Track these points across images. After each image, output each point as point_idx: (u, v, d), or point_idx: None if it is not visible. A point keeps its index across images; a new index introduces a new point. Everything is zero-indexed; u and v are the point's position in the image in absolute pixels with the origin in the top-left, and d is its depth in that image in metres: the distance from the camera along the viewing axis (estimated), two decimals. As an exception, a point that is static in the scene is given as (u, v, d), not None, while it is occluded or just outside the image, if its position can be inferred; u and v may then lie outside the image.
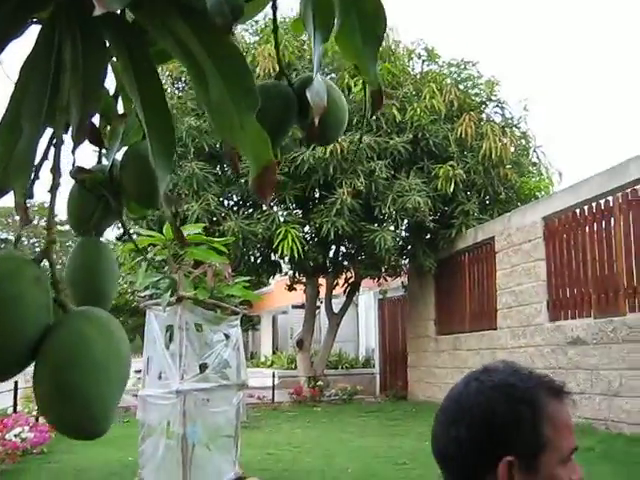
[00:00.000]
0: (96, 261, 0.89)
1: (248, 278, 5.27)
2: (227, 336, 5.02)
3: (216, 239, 4.94)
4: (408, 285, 15.11)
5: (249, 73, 0.74)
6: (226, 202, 13.28)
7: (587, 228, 9.08)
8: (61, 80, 0.72)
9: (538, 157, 14.73)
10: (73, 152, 0.78)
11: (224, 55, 0.74)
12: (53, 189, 0.70)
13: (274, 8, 0.99)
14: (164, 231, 4.63)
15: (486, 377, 1.28)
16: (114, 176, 0.94)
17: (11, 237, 53.05)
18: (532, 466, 1.19)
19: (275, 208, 13.18)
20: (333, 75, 13.50)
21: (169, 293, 4.72)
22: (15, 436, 7.40)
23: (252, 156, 0.73)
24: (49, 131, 0.75)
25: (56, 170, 0.70)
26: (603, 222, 8.78)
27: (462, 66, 14.55)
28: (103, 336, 0.65)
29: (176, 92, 13.24)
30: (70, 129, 0.73)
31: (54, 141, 0.71)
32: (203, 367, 4.89)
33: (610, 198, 8.62)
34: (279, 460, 7.59)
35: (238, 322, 5.14)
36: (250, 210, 13.02)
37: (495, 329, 11.07)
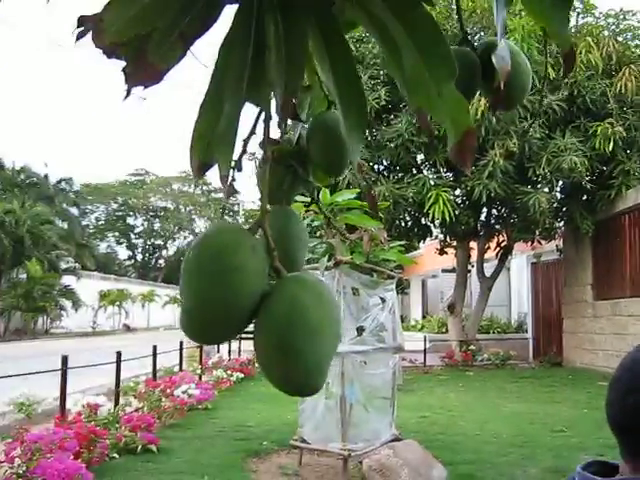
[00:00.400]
0: (287, 228, 0.94)
1: (403, 242, 5.28)
2: (383, 300, 5.08)
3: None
4: (564, 248, 14.66)
5: (444, 41, 0.75)
6: (376, 167, 13.31)
7: None
8: (266, 59, 0.76)
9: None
10: (279, 127, 0.82)
11: (417, 25, 0.75)
12: (264, 162, 0.75)
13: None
14: (321, 196, 4.72)
15: None
16: (301, 146, 0.98)
17: (170, 205, 55.68)
18: None
19: (425, 171, 13.10)
20: (483, 33, 13.17)
21: (327, 257, 4.83)
22: (182, 392, 7.83)
23: (451, 123, 0.75)
24: (252, 107, 0.79)
25: (267, 144, 0.74)
26: None
27: (621, 16, 13.78)
28: (316, 300, 0.69)
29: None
30: (275, 105, 0.77)
31: (262, 116, 0.75)
32: (360, 330, 4.98)
33: None
34: (433, 423, 7.62)
35: (393, 286, 5.18)
36: (400, 174, 13.00)
37: (659, 294, 10.57)
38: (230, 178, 0.79)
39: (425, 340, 15.39)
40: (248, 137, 0.78)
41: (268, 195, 1.05)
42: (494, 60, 0.91)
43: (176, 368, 10.44)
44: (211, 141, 0.79)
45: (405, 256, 5.14)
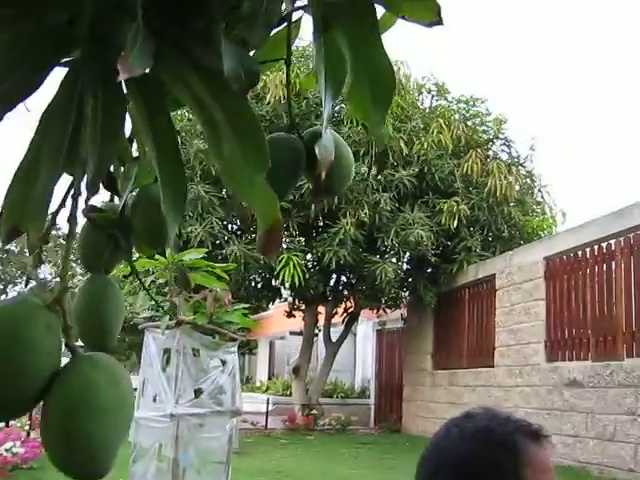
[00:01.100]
0: (103, 298, 0.92)
1: (248, 305, 5.28)
2: (224, 362, 5.02)
3: (218, 265, 4.96)
4: (407, 318, 15.11)
5: (260, 131, 0.77)
6: (230, 226, 13.32)
7: (588, 270, 9.10)
8: (82, 132, 0.75)
9: (542, 196, 14.80)
10: (86, 202, 0.81)
11: (237, 112, 0.77)
12: (69, 238, 0.73)
13: (287, 63, 1.02)
14: (166, 254, 4.67)
15: (466, 423, 1.31)
16: (125, 216, 0.98)
17: (14, 248, 53.31)
18: None
19: (278, 235, 13.21)
20: (343, 105, 13.62)
21: (168, 316, 4.74)
22: (6, 450, 7.38)
23: (261, 214, 0.77)
24: (66, 178, 0.78)
25: (73, 219, 0.73)
26: (604, 265, 8.80)
27: (471, 103, 14.67)
28: (108, 381, 0.68)
29: (186, 114, 13.33)
30: (86, 178, 0.76)
31: (72, 191, 0.74)
32: (198, 392, 4.90)
33: (612, 241, 8.65)
34: (269, 488, 7.56)
35: (235, 348, 5.14)
36: (253, 235, 13.08)
37: (492, 367, 11.04)
38: (38, 248, 0.77)
39: (268, 402, 15.32)
40: (57, 210, 0.77)
41: (87, 262, 1.03)
42: (317, 150, 0.94)
43: (1, 424, 9.83)
44: (23, 209, 0.78)
45: (249, 319, 5.12)
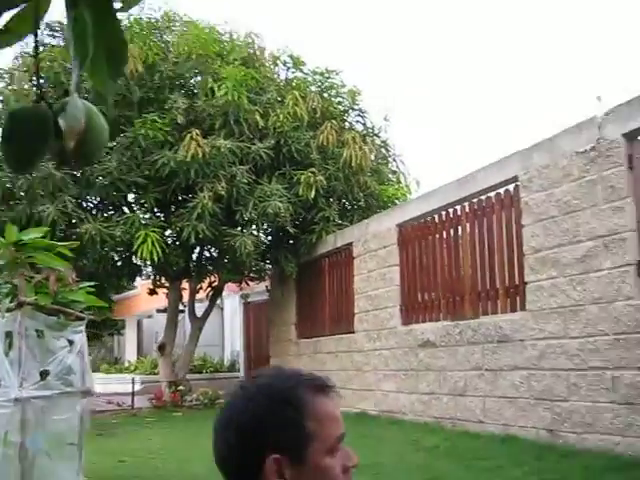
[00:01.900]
0: None
1: (93, 283, 5.16)
2: (71, 342, 4.92)
3: (60, 243, 4.84)
4: (271, 289, 15.25)
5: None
6: (85, 204, 12.95)
7: (437, 235, 9.49)
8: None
9: (397, 165, 15.23)
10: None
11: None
12: None
13: (35, 35, 1.03)
14: (5, 234, 4.52)
15: (251, 383, 1.38)
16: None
17: None
18: (300, 460, 1.29)
19: (137, 211, 13.00)
20: (198, 78, 13.49)
21: (9, 299, 4.59)
22: None
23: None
24: None
25: None
26: (452, 230, 9.19)
27: (326, 75, 14.81)
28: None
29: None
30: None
31: None
32: (44, 374, 4.78)
33: (458, 207, 9.04)
34: (131, 467, 7.49)
35: (83, 328, 5.05)
36: (110, 212, 12.82)
37: (352, 332, 11.34)
38: None
39: (134, 382, 15.13)
40: None
41: None
42: (61, 121, 0.96)
43: None
44: None
45: (94, 298, 5.02)
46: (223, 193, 11.66)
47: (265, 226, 13.09)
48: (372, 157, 13.82)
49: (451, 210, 9.19)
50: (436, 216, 9.52)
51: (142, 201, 12.78)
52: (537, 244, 7.33)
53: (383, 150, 14.98)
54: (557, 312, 6.98)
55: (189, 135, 11.61)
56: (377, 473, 6.36)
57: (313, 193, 12.26)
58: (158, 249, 11.41)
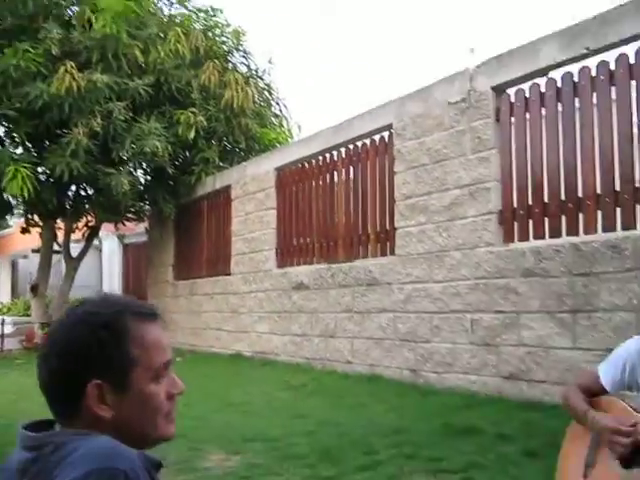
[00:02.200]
0: None
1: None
2: None
3: None
4: (149, 231, 15.04)
5: None
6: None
7: (314, 180, 9.56)
8: None
9: (280, 109, 15.16)
10: None
11: None
12: None
13: None
14: None
15: (74, 309, 1.38)
16: None
17: None
18: (122, 386, 1.30)
19: (7, 145, 12.45)
20: (76, 8, 12.90)
21: None
22: None
23: None
24: None
25: None
26: (328, 175, 9.28)
27: (210, 13, 14.47)
28: None
29: None
30: None
31: None
32: None
33: (335, 153, 9.13)
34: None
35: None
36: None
37: (229, 275, 11.37)
38: None
39: (3, 323, 14.71)
40: None
41: None
42: None
43: None
44: None
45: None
46: (99, 130, 11.29)
47: (143, 166, 12.81)
48: (255, 100, 13.67)
49: (328, 155, 9.28)
50: (313, 161, 9.59)
51: (13, 135, 12.24)
52: (408, 191, 7.53)
53: (266, 93, 14.84)
54: (424, 257, 7.23)
55: (63, 67, 11.12)
56: (246, 411, 6.49)
57: (193, 133, 12.07)
58: (29, 185, 10.96)
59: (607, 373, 2.86)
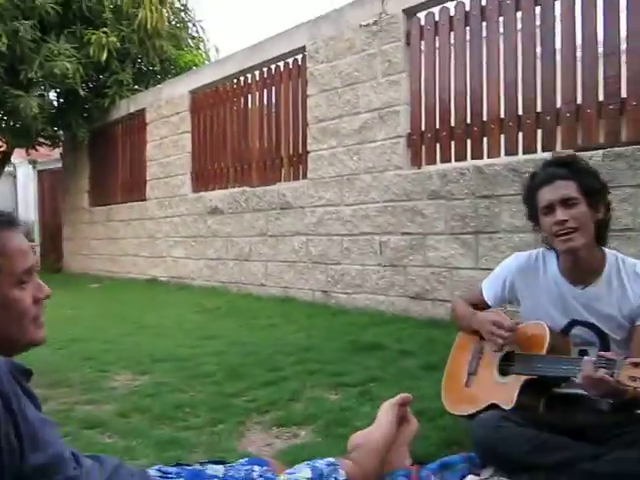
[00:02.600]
0: None
1: None
2: None
3: None
4: (64, 156, 14.66)
5: None
6: None
7: (228, 103, 9.45)
8: None
9: (197, 31, 14.78)
10: None
11: None
12: None
13: None
14: None
15: None
16: None
17: None
18: None
19: None
20: None
21: None
22: None
23: None
24: None
25: None
26: (242, 98, 9.18)
27: None
28: None
29: None
30: None
31: None
32: None
33: (249, 75, 9.02)
34: None
35: None
36: None
37: (145, 200, 11.24)
38: None
39: None
40: None
41: None
42: None
43: None
44: None
45: None
46: (4, 50, 10.83)
47: (54, 88, 12.37)
48: (170, 21, 13.30)
49: (242, 78, 9.16)
50: (228, 84, 9.46)
51: None
52: (320, 114, 7.53)
53: (182, 14, 14.43)
54: (335, 180, 7.30)
55: (-37, -17, 10.59)
56: (157, 333, 6.53)
57: (105, 55, 11.69)
58: None
59: (490, 289, 3.01)
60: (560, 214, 2.54)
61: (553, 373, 2.55)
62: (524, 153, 5.66)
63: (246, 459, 2.42)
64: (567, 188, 2.56)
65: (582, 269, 2.66)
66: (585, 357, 2.41)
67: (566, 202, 2.55)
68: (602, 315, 2.63)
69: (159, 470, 2.22)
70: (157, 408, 3.83)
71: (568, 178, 2.58)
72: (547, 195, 2.59)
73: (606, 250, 2.71)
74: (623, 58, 5.15)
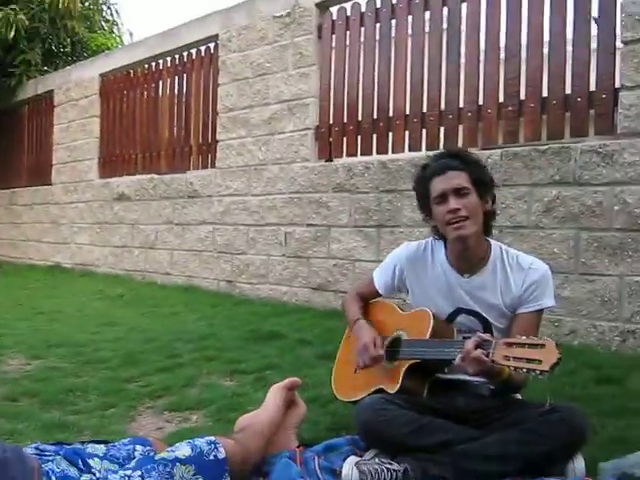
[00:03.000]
0: None
1: None
2: None
3: None
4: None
5: None
6: None
7: (139, 89, 9.30)
8: None
9: (112, 14, 14.52)
10: None
11: None
12: None
13: None
14: None
15: None
16: None
17: None
18: None
19: None
20: None
21: None
22: None
23: None
24: None
25: None
26: (153, 85, 9.06)
27: None
28: None
29: None
30: None
31: None
32: None
33: (161, 61, 8.91)
34: None
35: None
36: None
37: (50, 184, 10.96)
38: None
39: None
40: None
41: None
42: None
43: None
44: None
45: None
46: None
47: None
48: (83, 2, 12.99)
49: (154, 64, 9.04)
50: (139, 69, 9.32)
51: None
52: (230, 104, 7.51)
53: (97, -4, 14.14)
54: (243, 170, 7.29)
55: None
56: (55, 319, 6.40)
57: (13, 33, 11.34)
58: None
59: (380, 278, 3.07)
60: (453, 203, 2.62)
61: (435, 356, 2.63)
62: (427, 150, 5.78)
63: (128, 439, 2.42)
64: (459, 178, 2.65)
65: (469, 258, 2.75)
66: (464, 340, 2.50)
67: (458, 192, 2.63)
68: (486, 304, 2.73)
69: (37, 448, 2.20)
70: (48, 392, 3.76)
71: (460, 169, 2.66)
72: (440, 185, 2.67)
73: (491, 241, 2.82)
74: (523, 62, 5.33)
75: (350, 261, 6.16)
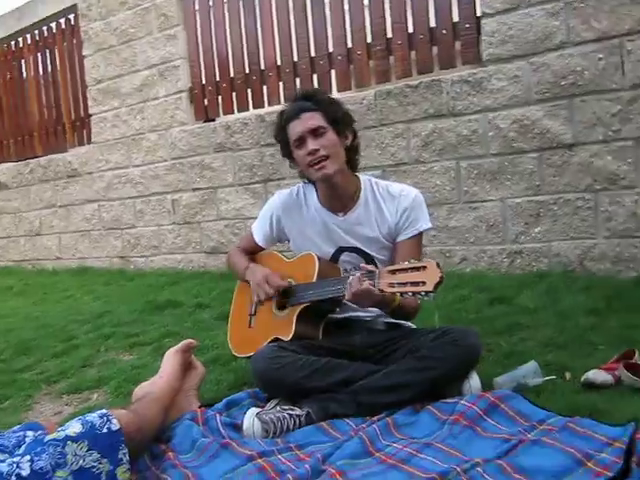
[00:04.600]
0: None
1: None
2: None
3: None
4: None
5: None
6: None
7: (0, 72, 8.84)
8: None
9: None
10: None
11: None
12: None
13: None
14: None
15: None
16: None
17: None
18: None
19: None
20: None
21: None
22: None
23: None
24: None
25: None
26: (15, 64, 8.61)
27: None
28: None
29: None
30: None
31: None
32: None
33: (20, 39, 8.49)
34: None
35: None
36: None
37: None
38: None
39: None
40: None
41: None
42: None
43: None
44: None
45: None
46: None
47: None
48: None
49: (13, 43, 8.60)
50: (-1, 49, 8.85)
51: None
52: (98, 75, 7.25)
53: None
54: (121, 142, 7.08)
55: None
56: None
57: None
58: None
59: (259, 230, 3.04)
60: (311, 144, 2.62)
61: (323, 296, 2.62)
62: (303, 99, 5.72)
63: (19, 426, 2.32)
64: (313, 119, 2.63)
65: (339, 196, 2.75)
66: (350, 275, 2.50)
67: (315, 132, 2.62)
68: (365, 238, 2.74)
69: None
70: None
71: (313, 110, 2.65)
72: (297, 128, 2.65)
73: (360, 175, 2.82)
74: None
75: (240, 220, 6.09)
